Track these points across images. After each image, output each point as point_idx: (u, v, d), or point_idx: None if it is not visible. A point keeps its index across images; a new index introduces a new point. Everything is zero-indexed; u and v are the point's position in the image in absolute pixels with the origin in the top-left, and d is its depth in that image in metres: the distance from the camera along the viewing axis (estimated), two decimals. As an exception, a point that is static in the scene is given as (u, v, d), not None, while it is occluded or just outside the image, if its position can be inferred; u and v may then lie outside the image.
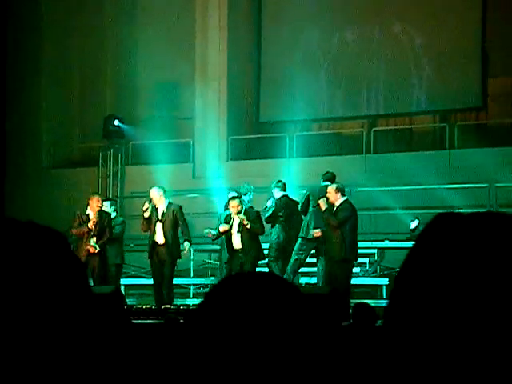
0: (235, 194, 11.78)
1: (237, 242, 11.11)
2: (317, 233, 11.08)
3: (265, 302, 1.09)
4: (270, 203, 11.80)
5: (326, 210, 10.78)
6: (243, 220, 11.02)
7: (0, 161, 17.68)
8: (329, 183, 11.38)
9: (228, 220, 11.17)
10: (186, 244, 11.50)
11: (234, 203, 11.14)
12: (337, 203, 10.86)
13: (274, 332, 1.07)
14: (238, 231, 11.05)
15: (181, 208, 11.54)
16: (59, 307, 1.01)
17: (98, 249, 11.22)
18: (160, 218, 11.32)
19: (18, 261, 1.01)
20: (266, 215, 11.60)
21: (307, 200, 11.50)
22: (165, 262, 11.34)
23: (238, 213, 11.03)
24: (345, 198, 11.00)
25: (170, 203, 11.51)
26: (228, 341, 1.06)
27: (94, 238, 11.27)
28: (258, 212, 11.47)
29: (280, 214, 11.70)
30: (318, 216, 11.14)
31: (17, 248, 1.02)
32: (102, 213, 11.48)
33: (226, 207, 11.76)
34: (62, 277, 1.02)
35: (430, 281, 1.00)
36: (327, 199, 10.85)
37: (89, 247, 11.19)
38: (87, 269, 11.18)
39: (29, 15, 18.20)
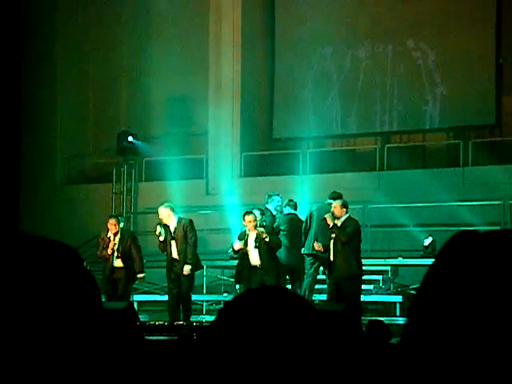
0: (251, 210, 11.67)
1: (255, 258, 10.97)
2: (318, 246, 11.00)
3: (279, 317, 1.08)
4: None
5: (333, 225, 10.73)
6: (262, 233, 10.84)
7: (14, 176, 17.77)
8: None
9: (242, 237, 11.07)
10: (186, 267, 11.39)
11: (249, 218, 10.98)
12: (342, 219, 10.81)
13: (288, 349, 1.06)
14: (255, 247, 10.91)
15: (191, 221, 11.53)
16: (70, 323, 1.00)
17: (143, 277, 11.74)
18: (172, 235, 11.35)
19: (29, 276, 1.01)
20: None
21: (310, 216, 11.49)
22: (181, 277, 11.36)
23: (255, 227, 10.91)
24: (348, 214, 10.94)
25: (179, 218, 11.52)
26: (242, 357, 1.06)
27: (119, 260, 11.55)
28: (271, 225, 11.43)
29: (282, 228, 11.67)
30: (322, 231, 11.09)
31: (29, 263, 1.02)
32: (123, 232, 11.65)
33: None
34: (73, 292, 1.02)
35: (449, 299, 1.00)
36: (333, 214, 10.81)
37: (139, 276, 11.66)
38: (110, 282, 11.57)
39: (44, 32, 18.34)
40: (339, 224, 10.76)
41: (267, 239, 10.80)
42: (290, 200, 12.15)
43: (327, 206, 11.20)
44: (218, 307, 13.73)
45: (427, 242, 13.42)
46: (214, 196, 16.71)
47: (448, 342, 0.97)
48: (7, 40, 17.30)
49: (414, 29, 16.87)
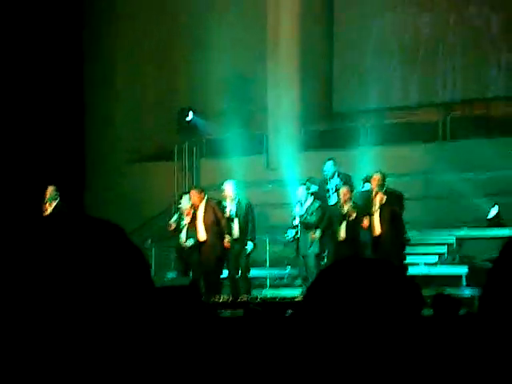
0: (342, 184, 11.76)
1: (343, 232, 10.95)
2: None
3: (371, 288, 1.07)
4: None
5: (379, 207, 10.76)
6: (351, 211, 10.87)
7: (79, 156, 18.06)
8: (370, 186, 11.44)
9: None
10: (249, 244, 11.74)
11: (344, 190, 11.04)
12: (383, 192, 10.73)
13: (379, 318, 1.05)
14: (345, 220, 10.92)
15: (250, 205, 11.75)
16: (120, 301, 0.99)
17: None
18: (235, 214, 11.72)
19: (75, 256, 1.00)
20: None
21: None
22: (240, 253, 11.51)
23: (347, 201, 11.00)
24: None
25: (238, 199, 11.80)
26: (335, 331, 1.05)
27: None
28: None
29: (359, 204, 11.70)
30: None
31: (74, 243, 1.01)
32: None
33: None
34: (120, 270, 1.01)
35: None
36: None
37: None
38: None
39: (104, 13, 18.49)
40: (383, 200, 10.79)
41: (354, 215, 10.80)
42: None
43: (363, 194, 11.31)
44: (282, 282, 13.79)
45: (493, 212, 13.20)
46: (274, 171, 16.69)
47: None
48: (67, 17, 17.51)
49: (475, -5, 16.51)
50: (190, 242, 11.80)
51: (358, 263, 1.12)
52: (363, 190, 11.87)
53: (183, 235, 11.92)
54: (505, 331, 0.96)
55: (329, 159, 12.68)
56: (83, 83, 18.16)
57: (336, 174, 12.56)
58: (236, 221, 11.56)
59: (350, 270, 1.11)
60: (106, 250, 1.01)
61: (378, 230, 10.74)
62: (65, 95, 17.36)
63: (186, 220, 11.81)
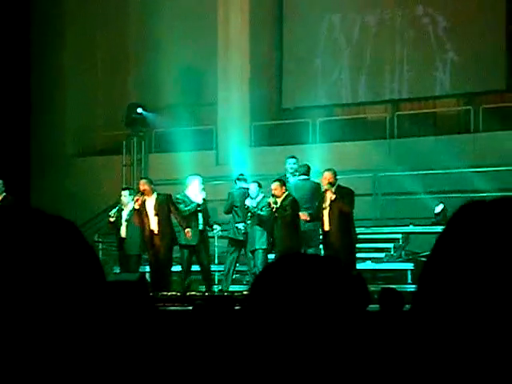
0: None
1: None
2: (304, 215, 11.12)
3: (314, 282, 1.08)
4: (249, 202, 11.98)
5: (319, 202, 10.94)
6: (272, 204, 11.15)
7: (24, 149, 17.80)
8: (305, 177, 11.64)
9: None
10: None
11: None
12: (333, 189, 10.91)
13: (322, 311, 1.07)
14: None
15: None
16: (71, 298, 0.99)
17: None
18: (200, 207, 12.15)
19: (27, 251, 0.99)
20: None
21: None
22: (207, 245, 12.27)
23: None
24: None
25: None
26: (279, 323, 1.06)
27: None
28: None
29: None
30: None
31: (25, 238, 1.00)
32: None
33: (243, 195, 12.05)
34: (72, 265, 1.00)
35: (458, 267, 1.00)
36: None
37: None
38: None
39: (52, 4, 18.25)
40: (333, 196, 10.95)
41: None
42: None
43: (298, 184, 11.53)
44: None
45: (438, 209, 13.39)
46: (224, 166, 16.69)
47: (456, 310, 0.97)
48: (15, 12, 17.23)
49: (423, -6, 16.71)
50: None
51: (303, 259, 1.14)
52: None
53: (123, 228, 12.04)
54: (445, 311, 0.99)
55: (291, 157, 12.87)
56: (30, 76, 17.90)
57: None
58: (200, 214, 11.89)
59: (295, 265, 1.12)
60: (59, 245, 1.00)
61: (326, 226, 10.92)
62: (11, 88, 17.09)
63: (135, 205, 11.82)
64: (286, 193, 11.23)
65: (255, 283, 1.13)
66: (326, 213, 10.87)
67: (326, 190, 10.98)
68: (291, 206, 11.12)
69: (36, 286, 0.98)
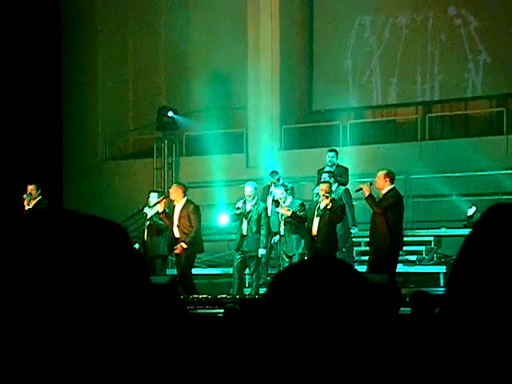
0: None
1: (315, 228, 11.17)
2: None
3: (331, 288, 1.08)
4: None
5: (369, 195, 10.74)
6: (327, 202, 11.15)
7: (57, 154, 17.96)
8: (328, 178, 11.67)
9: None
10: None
11: (323, 186, 11.22)
12: (384, 191, 10.80)
13: (340, 320, 1.06)
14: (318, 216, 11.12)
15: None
16: (119, 301, 1.00)
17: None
18: (246, 213, 11.88)
19: (79, 254, 1.01)
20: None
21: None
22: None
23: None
24: (393, 185, 10.92)
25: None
26: (294, 328, 1.05)
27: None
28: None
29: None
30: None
31: (79, 242, 1.02)
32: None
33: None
34: (122, 270, 1.02)
35: (486, 269, 0.99)
36: (370, 184, 10.89)
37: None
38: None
39: (83, 6, 18.41)
40: (381, 195, 10.85)
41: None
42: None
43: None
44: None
45: (471, 211, 13.28)
46: (253, 169, 16.70)
47: (485, 311, 0.97)
48: (46, 18, 17.41)
49: (454, -5, 16.60)
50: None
51: (322, 263, 1.13)
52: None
53: (145, 231, 12.14)
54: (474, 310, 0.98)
55: (330, 150, 13.00)
56: (61, 80, 18.06)
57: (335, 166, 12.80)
58: (245, 221, 11.75)
59: (316, 269, 1.12)
60: (110, 250, 1.02)
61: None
62: (43, 92, 17.27)
63: (159, 209, 11.86)
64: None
65: (271, 287, 1.13)
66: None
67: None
68: (341, 208, 11.14)
69: (89, 285, 0.99)
